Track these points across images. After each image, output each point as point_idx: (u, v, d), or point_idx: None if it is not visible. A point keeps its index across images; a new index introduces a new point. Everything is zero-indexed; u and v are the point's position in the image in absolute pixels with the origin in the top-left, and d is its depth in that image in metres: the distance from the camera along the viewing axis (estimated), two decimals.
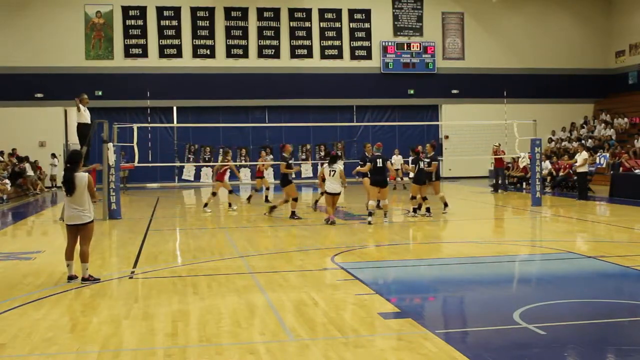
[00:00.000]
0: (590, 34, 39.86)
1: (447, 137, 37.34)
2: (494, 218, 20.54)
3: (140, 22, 35.16)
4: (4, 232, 18.37)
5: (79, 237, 10.56)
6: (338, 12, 36.96)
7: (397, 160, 29.83)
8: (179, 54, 35.42)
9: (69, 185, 10.36)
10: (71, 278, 10.54)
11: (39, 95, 33.73)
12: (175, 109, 35.84)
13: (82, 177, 10.44)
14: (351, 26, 37.17)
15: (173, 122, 35.60)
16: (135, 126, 22.50)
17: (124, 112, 32.02)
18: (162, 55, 35.32)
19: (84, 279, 10.42)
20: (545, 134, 35.60)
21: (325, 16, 36.82)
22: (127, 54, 34.98)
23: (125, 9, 34.95)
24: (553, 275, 11.47)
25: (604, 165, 31.16)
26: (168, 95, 34.87)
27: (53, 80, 33.50)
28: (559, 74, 38.93)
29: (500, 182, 27.68)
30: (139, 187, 33.38)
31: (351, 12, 37.06)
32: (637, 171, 26.10)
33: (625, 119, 36.09)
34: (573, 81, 39.11)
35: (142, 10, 35.11)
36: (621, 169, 28.39)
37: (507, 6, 37.38)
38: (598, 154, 32.33)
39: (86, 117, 19.06)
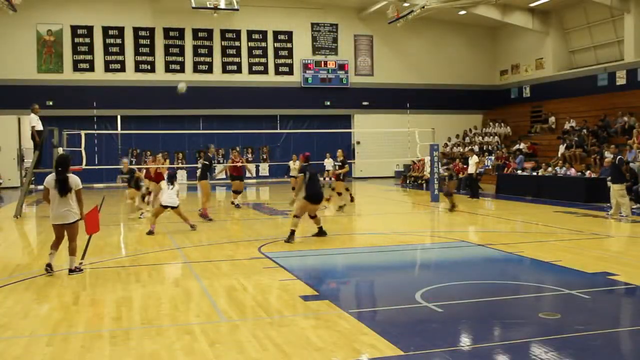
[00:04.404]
0: (480, 56, 40.79)
1: (358, 142, 37.61)
2: (399, 212, 20.79)
3: (87, 40, 34.39)
4: None
5: (67, 234, 10.07)
6: (264, 33, 36.86)
7: (327, 162, 30.13)
8: (122, 69, 34.79)
9: (64, 186, 9.87)
10: (49, 266, 10.03)
11: None
12: (119, 117, 35.15)
13: (73, 178, 10.03)
14: (275, 46, 37.12)
15: (117, 129, 34.90)
16: (82, 133, 21.99)
17: (73, 121, 31.08)
18: (107, 69, 34.62)
19: (71, 270, 10.07)
20: (442, 140, 36.25)
21: (253, 37, 36.68)
22: (76, 68, 34.18)
23: (74, 28, 34.15)
24: (449, 261, 11.68)
25: (490, 167, 31.92)
26: (113, 105, 34.24)
27: (8, 92, 32.47)
28: (453, 89, 39.72)
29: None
30: (86, 187, 32.48)
31: (275, 33, 37.01)
32: (518, 172, 26.83)
33: (508, 127, 37.09)
34: (465, 95, 39.97)
35: (89, 29, 34.36)
36: (506, 169, 29.14)
37: (410, 31, 37.85)
38: (486, 157, 33.11)
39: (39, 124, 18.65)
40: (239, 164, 21.60)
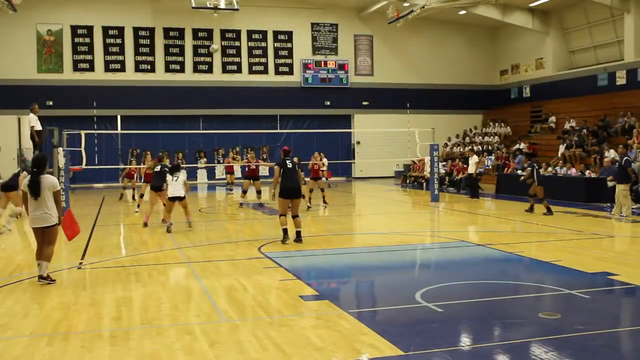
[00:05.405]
0: (480, 56, 40.75)
1: (358, 142, 37.61)
2: (399, 212, 20.74)
3: (87, 40, 34.38)
4: None
5: (45, 238, 9.44)
6: (264, 33, 36.84)
7: (324, 162, 29.94)
8: (122, 69, 34.77)
9: (35, 188, 9.26)
10: (42, 278, 9.40)
11: None
12: (119, 117, 35.14)
13: (48, 179, 9.46)
14: (275, 45, 37.11)
15: (117, 129, 34.90)
16: (82, 133, 21.97)
17: (73, 121, 31.11)
18: (107, 69, 34.59)
19: (42, 278, 9.37)
20: (442, 141, 36.25)
21: (253, 37, 36.67)
22: (76, 68, 34.17)
23: (74, 28, 34.15)
24: (449, 261, 11.68)
25: (490, 167, 31.92)
26: (113, 105, 34.23)
27: (7, 91, 32.48)
28: (453, 88, 39.69)
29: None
30: (86, 187, 32.66)
31: (275, 33, 37.00)
32: (518, 172, 26.79)
33: (508, 127, 37.09)
34: (465, 95, 39.94)
35: (89, 29, 34.35)
36: (506, 169, 29.12)
37: (409, 30, 37.84)
38: (486, 157, 33.11)
39: (38, 124, 18.63)
40: (254, 165, 21.63)
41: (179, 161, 21.06)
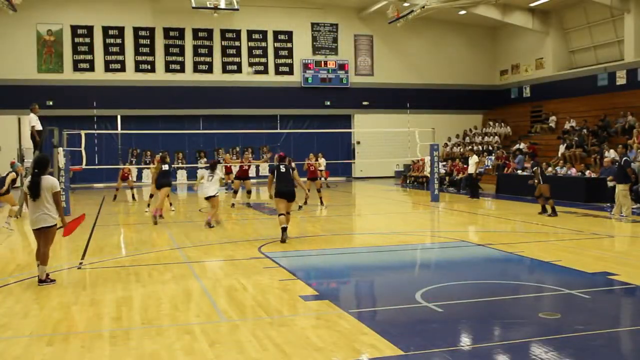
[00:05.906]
0: (480, 56, 40.76)
1: (358, 142, 37.61)
2: (399, 212, 20.73)
3: (87, 40, 34.41)
4: None
5: (42, 238, 9.31)
6: (264, 33, 36.86)
7: (321, 162, 29.78)
8: (122, 69, 34.79)
9: (35, 189, 9.16)
10: (43, 282, 9.29)
11: None
12: (119, 117, 35.16)
13: (48, 180, 9.33)
14: (275, 45, 37.13)
15: (117, 129, 34.92)
16: (82, 133, 21.97)
17: (73, 121, 31.11)
18: (107, 69, 34.61)
19: (41, 281, 9.25)
20: (442, 141, 36.24)
21: (253, 37, 36.69)
22: (76, 68, 34.19)
23: (74, 28, 34.17)
24: (449, 261, 11.68)
25: (490, 167, 31.92)
26: (113, 105, 34.25)
27: (8, 92, 32.49)
28: (453, 88, 39.70)
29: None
30: (86, 187, 32.66)
31: (275, 33, 37.02)
32: (519, 172, 26.79)
33: (508, 127, 37.09)
34: (465, 95, 39.96)
35: (89, 29, 34.38)
36: (506, 169, 29.11)
37: (409, 30, 37.85)
38: (486, 157, 33.11)
39: (38, 124, 18.67)
40: (246, 166, 21.83)
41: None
